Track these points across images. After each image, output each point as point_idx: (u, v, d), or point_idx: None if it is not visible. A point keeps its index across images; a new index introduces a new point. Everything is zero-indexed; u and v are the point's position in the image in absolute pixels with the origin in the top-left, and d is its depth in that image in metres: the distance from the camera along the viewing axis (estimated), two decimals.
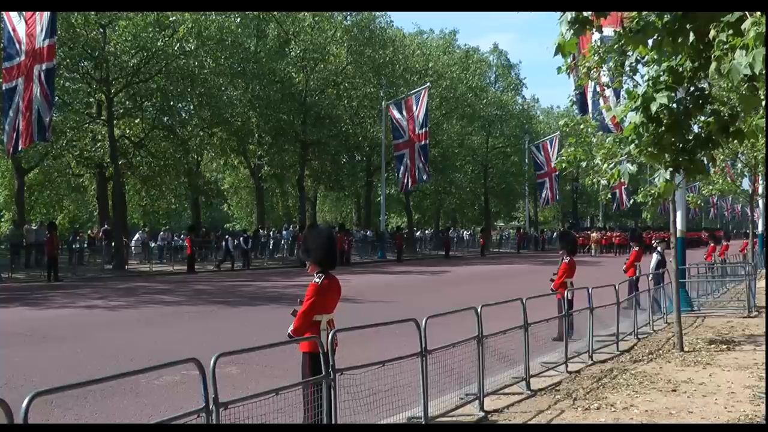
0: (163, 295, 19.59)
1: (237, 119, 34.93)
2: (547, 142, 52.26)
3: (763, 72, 4.31)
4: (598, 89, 17.03)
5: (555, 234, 55.13)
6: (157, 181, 34.49)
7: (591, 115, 17.36)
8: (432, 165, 43.44)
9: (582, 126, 12.79)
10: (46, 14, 20.22)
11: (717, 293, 19.37)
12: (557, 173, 50.29)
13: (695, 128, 7.86)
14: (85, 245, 33.01)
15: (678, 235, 13.60)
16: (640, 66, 9.59)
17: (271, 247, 36.98)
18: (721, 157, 19.12)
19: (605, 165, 11.09)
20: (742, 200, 51.48)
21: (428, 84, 39.76)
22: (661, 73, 6.91)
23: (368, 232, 43.92)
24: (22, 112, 20.70)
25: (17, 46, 21.07)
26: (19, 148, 22.09)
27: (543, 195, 54.53)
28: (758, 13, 4.27)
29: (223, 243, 31.73)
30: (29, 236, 28.01)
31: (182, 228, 42.40)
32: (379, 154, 42.16)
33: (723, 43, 4.71)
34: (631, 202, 17.28)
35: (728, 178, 24.14)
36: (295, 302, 6.33)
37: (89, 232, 37.25)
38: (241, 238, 32.28)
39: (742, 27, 4.38)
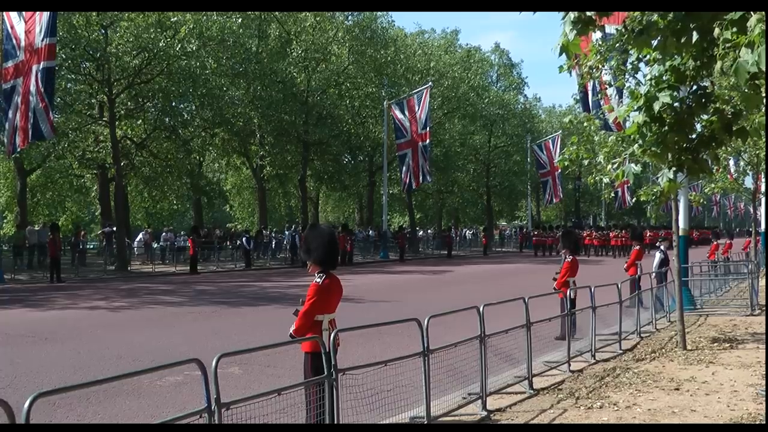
0: (166, 295, 19.60)
1: (239, 120, 34.97)
2: (550, 141, 52.27)
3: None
4: (599, 88, 16.99)
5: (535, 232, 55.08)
6: (159, 182, 34.55)
7: (594, 114, 17.30)
8: (434, 164, 43.43)
9: (585, 124, 12.73)
10: (45, 14, 20.26)
11: (720, 292, 19.35)
12: (560, 172, 50.30)
13: (698, 127, 7.83)
14: (90, 246, 33.06)
15: (680, 233, 13.57)
16: (642, 65, 9.56)
17: (273, 247, 37.06)
18: (723, 155, 19.07)
19: (608, 165, 11.06)
20: (744, 198, 51.36)
21: (430, 83, 39.75)
22: (664, 72, 6.88)
23: (370, 232, 43.92)
24: (21, 112, 20.76)
25: (16, 45, 21.12)
26: (18, 148, 22.14)
27: (546, 194, 54.59)
28: (759, 13, 4.25)
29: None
30: (32, 237, 28.04)
31: (185, 228, 42.47)
32: (381, 153, 42.17)
33: (727, 41, 4.68)
34: (634, 200, 17.26)
35: (729, 177, 24.11)
36: (297, 302, 6.32)
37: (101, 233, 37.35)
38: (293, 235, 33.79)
39: (747, 24, 4.36)
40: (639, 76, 10.09)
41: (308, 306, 5.92)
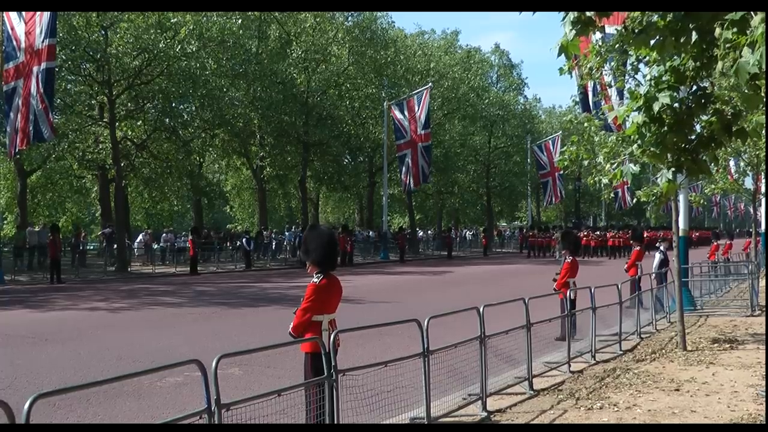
0: (166, 296, 19.60)
1: (239, 120, 34.98)
2: (550, 141, 52.35)
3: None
4: (599, 89, 16.99)
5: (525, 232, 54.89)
6: (159, 183, 34.54)
7: (594, 115, 17.30)
8: (434, 165, 43.42)
9: (585, 124, 12.73)
10: (46, 14, 20.27)
11: (720, 292, 19.34)
12: (560, 173, 50.31)
13: (698, 128, 7.83)
14: (90, 247, 33.06)
15: (680, 234, 13.56)
16: (641, 65, 9.57)
17: (273, 247, 37.07)
18: (723, 156, 19.07)
19: (608, 165, 11.06)
20: (745, 199, 51.35)
21: (430, 84, 39.77)
22: (664, 72, 6.88)
23: (371, 233, 43.92)
24: (22, 114, 20.77)
25: (16, 47, 21.14)
26: (17, 149, 22.16)
27: (546, 195, 54.62)
28: (762, 13, 4.24)
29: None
30: (32, 238, 28.05)
31: (185, 229, 42.49)
32: (381, 154, 42.17)
33: (728, 41, 4.68)
34: (634, 201, 17.29)
35: (729, 177, 24.11)
36: (297, 303, 6.32)
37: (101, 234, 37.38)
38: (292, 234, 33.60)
39: (751, 25, 4.36)
40: (639, 76, 10.10)
41: (305, 304, 5.93)
